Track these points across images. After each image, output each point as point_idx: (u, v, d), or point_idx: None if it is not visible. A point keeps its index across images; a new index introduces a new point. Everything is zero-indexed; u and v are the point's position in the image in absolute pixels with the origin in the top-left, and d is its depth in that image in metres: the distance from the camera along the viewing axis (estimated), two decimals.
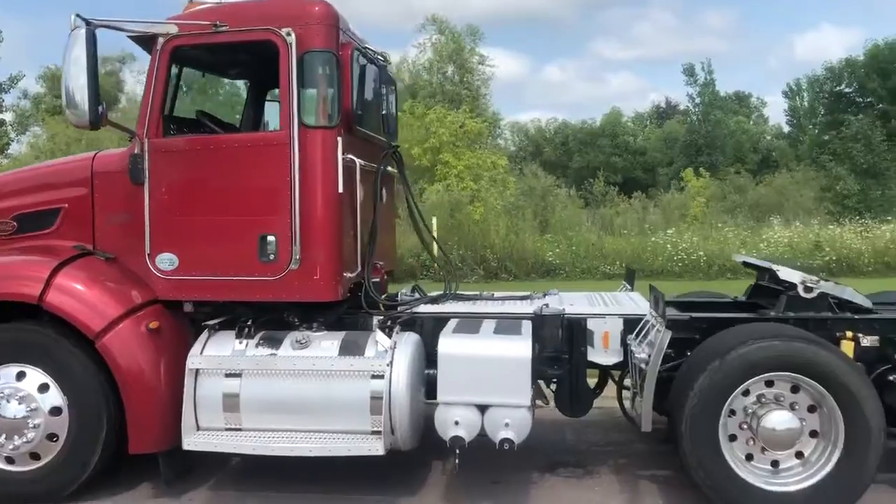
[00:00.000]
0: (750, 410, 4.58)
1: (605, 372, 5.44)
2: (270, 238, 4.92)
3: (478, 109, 34.74)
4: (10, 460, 4.91)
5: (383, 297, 5.57)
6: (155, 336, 4.99)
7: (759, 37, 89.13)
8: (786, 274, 5.10)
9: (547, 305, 5.28)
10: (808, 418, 4.56)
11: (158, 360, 4.97)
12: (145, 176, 5.05)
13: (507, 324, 5.01)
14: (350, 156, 5.02)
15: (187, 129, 5.60)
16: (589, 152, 53.72)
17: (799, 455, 4.58)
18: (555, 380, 5.24)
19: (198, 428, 4.87)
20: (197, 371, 4.88)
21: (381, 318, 5.14)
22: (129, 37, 5.21)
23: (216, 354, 4.92)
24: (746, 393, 4.58)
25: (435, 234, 17.88)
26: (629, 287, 6.35)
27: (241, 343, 4.96)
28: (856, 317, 4.99)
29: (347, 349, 4.87)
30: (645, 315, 5.09)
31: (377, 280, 5.52)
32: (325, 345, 4.91)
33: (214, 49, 5.29)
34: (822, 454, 4.53)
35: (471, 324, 5.02)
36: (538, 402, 5.26)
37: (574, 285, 13.70)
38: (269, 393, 4.82)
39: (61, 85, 4.67)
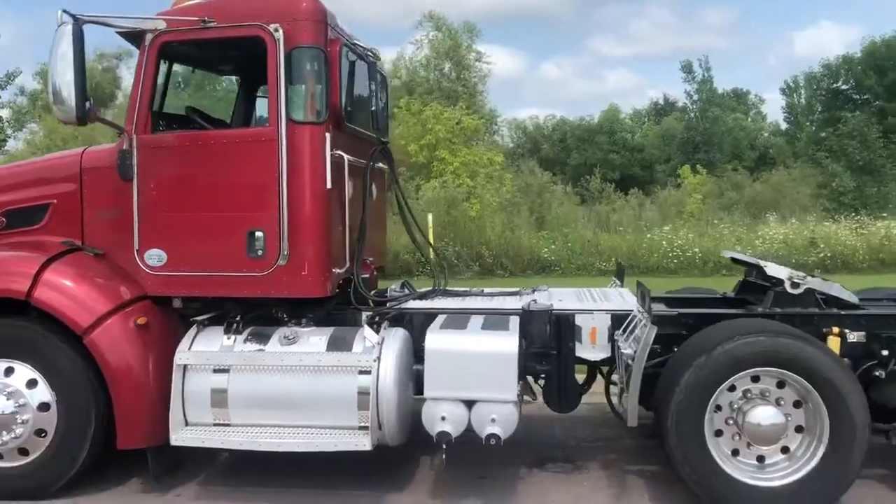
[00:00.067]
0: (736, 406, 4.60)
1: (593, 368, 5.45)
2: (259, 234, 4.92)
3: (475, 106, 34.73)
4: None
5: (372, 293, 5.58)
6: (143, 332, 4.99)
7: (757, 34, 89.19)
8: (773, 270, 5.13)
9: (535, 301, 5.29)
10: (793, 414, 4.58)
11: (147, 355, 4.97)
12: (134, 172, 5.06)
13: (494, 320, 5.03)
14: (339, 152, 5.02)
15: (177, 125, 5.60)
16: (587, 149, 53.74)
17: (785, 450, 4.60)
18: (543, 375, 5.25)
19: (186, 423, 4.88)
20: (185, 367, 4.89)
21: (370, 313, 5.15)
22: (118, 33, 5.21)
23: (204, 350, 4.93)
24: (732, 388, 4.60)
25: (431, 231, 18.01)
26: (619, 283, 6.37)
27: (229, 339, 4.97)
28: (842, 313, 5.01)
29: (335, 345, 4.88)
30: (632, 311, 5.10)
31: (366, 276, 5.53)
32: (313, 340, 4.92)
33: (203, 45, 5.28)
34: (808, 449, 4.55)
35: (458, 320, 5.04)
36: (526, 397, 5.28)
37: (569, 282, 13.71)
38: (257, 388, 4.83)
39: (48, 81, 4.66)
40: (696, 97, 55.14)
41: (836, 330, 4.87)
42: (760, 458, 4.61)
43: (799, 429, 4.59)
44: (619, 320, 5.14)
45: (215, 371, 4.87)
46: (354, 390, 4.74)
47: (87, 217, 5.30)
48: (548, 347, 5.14)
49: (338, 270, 5.09)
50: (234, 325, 5.01)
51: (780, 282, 5.07)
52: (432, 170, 23.92)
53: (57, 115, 4.71)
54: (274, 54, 4.86)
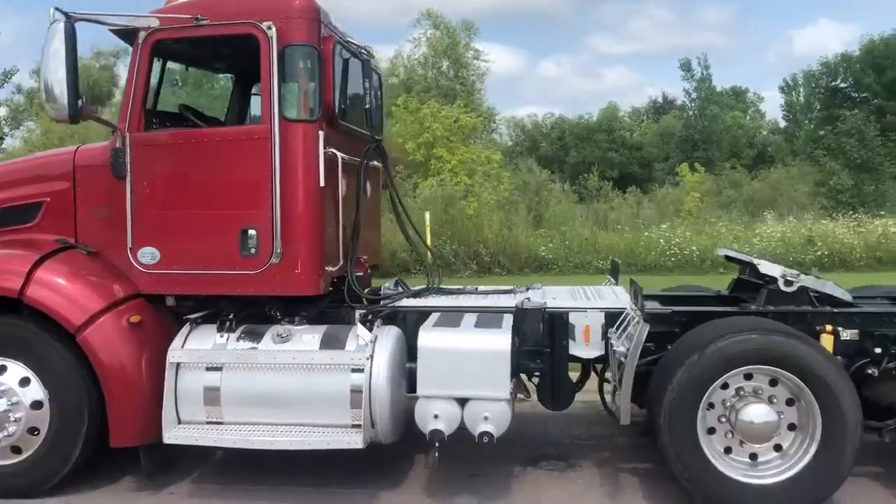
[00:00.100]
0: (728, 404, 4.60)
1: (587, 365, 5.45)
2: (252, 232, 4.92)
3: (472, 104, 34.72)
4: None
5: (366, 291, 5.57)
6: (136, 330, 4.99)
7: (756, 32, 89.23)
8: (766, 268, 5.13)
9: (528, 299, 5.29)
10: (786, 411, 4.57)
11: (140, 353, 4.97)
12: (127, 170, 5.06)
13: (487, 318, 5.02)
14: (332, 150, 5.01)
15: (170, 122, 5.60)
16: (585, 147, 53.77)
17: (777, 448, 4.60)
18: (536, 373, 5.25)
19: (179, 421, 4.89)
20: (178, 365, 4.89)
21: (363, 312, 5.15)
22: (111, 30, 5.20)
23: (197, 348, 4.93)
24: (725, 386, 4.59)
25: (428, 230, 18.01)
26: (613, 281, 6.37)
27: (222, 337, 4.97)
28: (835, 310, 5.01)
29: (328, 343, 4.88)
30: (625, 309, 5.10)
31: (360, 274, 5.51)
32: (306, 339, 4.93)
33: (197, 43, 5.28)
34: (800, 447, 4.54)
35: (452, 318, 5.03)
36: (520, 395, 5.29)
37: (567, 280, 13.71)
38: (250, 387, 4.83)
39: (40, 79, 4.66)
40: (694, 95, 55.18)
41: (829, 328, 4.86)
42: (753, 456, 4.60)
43: (791, 426, 4.58)
44: (612, 318, 5.15)
45: (208, 369, 4.88)
46: (347, 388, 4.74)
47: (81, 215, 5.30)
48: (541, 345, 5.13)
49: (331, 268, 5.09)
50: (227, 323, 5.01)
51: (773, 280, 5.06)
52: (430, 168, 23.93)
53: (49, 112, 4.71)
54: (267, 52, 4.86)
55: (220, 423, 4.88)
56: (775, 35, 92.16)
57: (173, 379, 4.86)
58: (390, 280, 6.16)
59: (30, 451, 4.91)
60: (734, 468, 4.57)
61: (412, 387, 4.84)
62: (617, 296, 5.65)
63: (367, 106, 5.57)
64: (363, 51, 5.64)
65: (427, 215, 18.32)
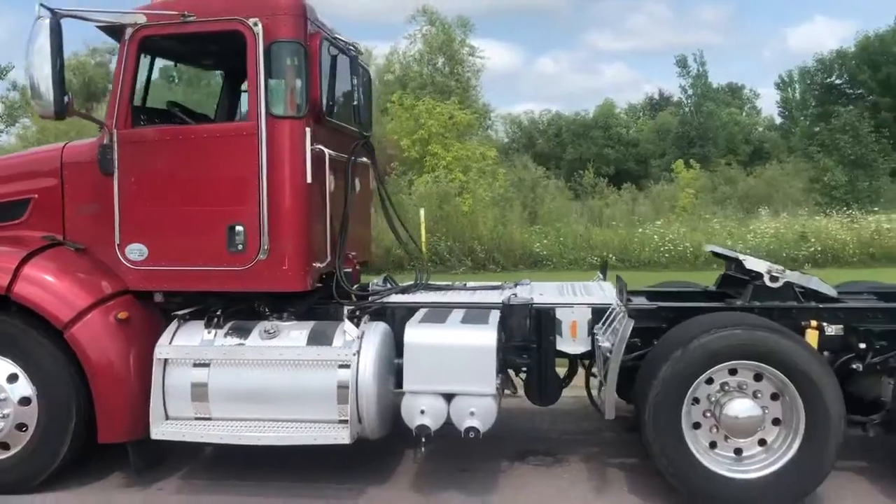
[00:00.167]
0: (713, 399, 4.62)
1: (574, 361, 5.47)
2: (239, 228, 4.93)
3: (468, 101, 34.70)
4: None
5: (355, 287, 5.58)
6: (124, 326, 5.00)
7: (753, 29, 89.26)
8: (752, 264, 5.15)
9: (515, 295, 5.31)
10: (770, 406, 4.60)
11: (128, 350, 4.98)
12: (114, 166, 5.06)
13: (474, 313, 5.04)
14: (319, 146, 5.02)
15: (158, 119, 5.60)
16: (582, 144, 53.85)
17: (762, 442, 4.62)
18: (524, 369, 5.27)
19: (166, 417, 4.90)
20: (165, 361, 4.90)
21: (351, 308, 5.16)
22: (98, 27, 5.20)
23: (185, 344, 4.94)
24: (710, 381, 4.61)
25: (423, 226, 18.01)
26: (602, 277, 6.39)
27: (209, 333, 4.98)
28: (820, 306, 5.03)
29: (315, 339, 4.89)
30: (611, 304, 5.12)
31: (349, 270, 5.52)
32: (294, 334, 4.93)
33: (184, 39, 5.28)
34: (784, 441, 4.56)
35: (438, 313, 5.05)
36: (507, 391, 5.31)
37: (561, 276, 13.76)
38: (237, 382, 4.85)
39: (26, 75, 4.66)
40: (690, 92, 55.28)
41: (814, 323, 4.88)
42: (738, 451, 4.62)
43: (776, 421, 4.60)
44: (598, 314, 5.16)
45: (196, 365, 4.88)
46: (334, 384, 4.75)
47: (68, 212, 5.30)
48: (528, 341, 5.15)
49: (318, 265, 5.10)
50: (215, 319, 5.02)
51: (759, 275, 5.09)
52: (425, 164, 23.91)
53: (35, 109, 4.71)
54: (253, 49, 4.87)
55: (208, 419, 4.89)
56: (771, 32, 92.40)
57: (161, 375, 4.87)
58: (380, 276, 6.17)
59: (18, 448, 4.92)
60: (719, 463, 4.59)
61: (400, 382, 4.85)
62: (604, 292, 5.68)
63: (355, 102, 5.57)
64: (351, 47, 5.64)
65: (422, 212, 18.32)
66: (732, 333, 4.53)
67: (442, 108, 25.70)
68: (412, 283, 5.89)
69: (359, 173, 5.92)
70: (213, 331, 4.99)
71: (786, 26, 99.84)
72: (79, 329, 4.86)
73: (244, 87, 6.25)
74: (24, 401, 4.90)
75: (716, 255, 6.17)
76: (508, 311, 5.12)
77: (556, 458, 5.56)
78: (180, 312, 5.09)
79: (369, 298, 5.42)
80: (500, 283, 5.93)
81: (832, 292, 5.21)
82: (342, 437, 4.68)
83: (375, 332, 4.95)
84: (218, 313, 5.05)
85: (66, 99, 4.60)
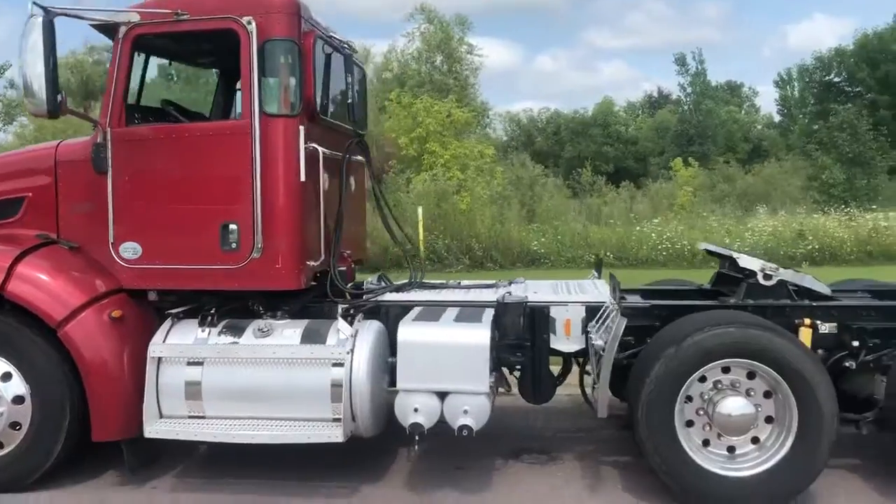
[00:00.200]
0: (706, 397, 4.63)
1: (568, 359, 5.47)
2: (232, 227, 4.93)
3: (466, 99, 34.67)
4: None
5: (350, 285, 5.59)
6: (118, 325, 5.01)
7: (752, 26, 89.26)
8: (745, 262, 5.15)
9: (509, 293, 5.31)
10: (763, 404, 4.60)
11: (122, 348, 4.98)
12: (108, 165, 5.06)
13: (468, 312, 5.04)
14: (313, 144, 5.02)
15: (152, 117, 5.60)
16: (581, 142, 53.85)
17: (755, 440, 4.63)
18: (518, 367, 5.28)
19: (160, 416, 4.90)
20: (159, 359, 4.90)
21: (345, 306, 5.16)
22: (92, 25, 5.19)
23: (178, 343, 4.94)
24: (703, 379, 4.62)
25: (420, 224, 18.01)
26: (597, 275, 6.40)
27: (203, 331, 4.98)
28: (814, 304, 5.04)
29: (309, 337, 4.90)
30: (605, 303, 5.12)
31: (343, 269, 5.52)
32: (287, 333, 4.94)
33: (177, 38, 5.28)
34: (777, 439, 4.57)
35: (432, 312, 5.06)
36: (501, 389, 5.31)
37: (558, 274, 13.74)
38: (231, 381, 4.85)
39: (19, 74, 4.65)
40: (689, 90, 55.28)
41: (807, 321, 4.89)
42: (731, 449, 4.63)
43: (769, 419, 4.61)
44: (593, 312, 5.17)
45: (189, 363, 4.88)
46: (328, 382, 4.76)
47: (62, 210, 5.29)
48: (522, 339, 5.16)
49: (312, 263, 5.10)
50: (209, 317, 5.02)
51: (752, 273, 5.09)
52: (423, 163, 23.90)
53: (28, 107, 4.71)
54: (247, 47, 4.87)
55: (202, 417, 4.89)
56: (770, 30, 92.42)
57: (154, 373, 4.88)
58: (374, 275, 6.17)
59: (11, 446, 4.92)
60: (712, 461, 4.60)
61: (394, 381, 4.85)
62: (598, 290, 5.68)
63: (350, 101, 5.57)
64: (345, 45, 5.64)
65: (420, 210, 18.33)
66: (726, 331, 4.53)
67: (440, 106, 25.68)
68: (406, 281, 5.89)
69: (353, 172, 5.92)
70: (207, 329, 4.99)
71: (785, 24, 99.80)
72: (72, 327, 4.86)
73: (239, 85, 6.27)
74: (18, 399, 4.90)
75: (710, 253, 6.18)
76: (502, 310, 5.12)
77: (551, 456, 5.56)
78: (174, 311, 5.09)
79: (364, 297, 5.42)
80: (494, 282, 5.94)
81: (826, 290, 5.21)
82: (335, 435, 4.68)
83: (369, 331, 4.95)
84: (212, 312, 5.05)
85: (59, 98, 4.60)
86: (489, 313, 4.99)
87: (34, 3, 4.55)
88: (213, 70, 6.74)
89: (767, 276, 5.05)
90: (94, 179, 5.08)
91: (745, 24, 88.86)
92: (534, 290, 5.64)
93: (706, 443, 4.64)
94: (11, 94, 35.68)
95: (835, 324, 4.93)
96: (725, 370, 4.61)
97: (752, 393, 4.60)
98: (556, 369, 5.45)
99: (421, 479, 5.19)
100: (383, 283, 5.88)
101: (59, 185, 5.30)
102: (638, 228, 19.44)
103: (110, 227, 5.07)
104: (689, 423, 4.63)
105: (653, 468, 4.63)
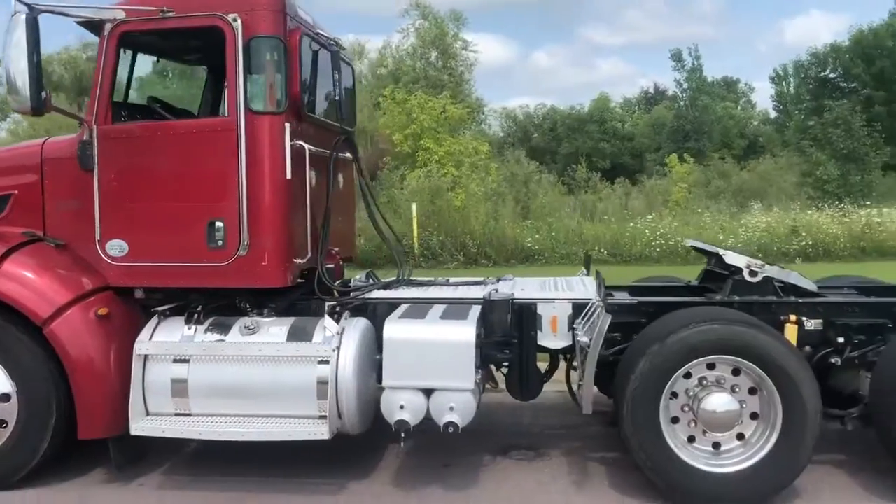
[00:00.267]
0: (691, 393, 4.64)
1: (555, 356, 5.48)
2: (219, 224, 4.93)
3: (461, 95, 34.63)
4: None
5: (338, 283, 5.58)
6: (105, 322, 5.00)
7: (748, 22, 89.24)
8: (731, 258, 5.17)
9: (496, 291, 5.31)
10: (748, 400, 4.62)
11: (108, 346, 4.98)
12: (94, 162, 5.05)
13: (454, 309, 5.05)
14: (299, 142, 5.01)
15: (140, 115, 5.59)
16: (577, 138, 53.79)
17: (740, 437, 4.64)
18: (505, 364, 5.28)
19: (147, 413, 4.91)
20: (145, 357, 4.90)
21: (332, 303, 5.16)
22: (78, 22, 5.18)
23: (164, 340, 4.94)
24: (688, 376, 4.63)
25: (415, 221, 18.00)
26: (586, 272, 6.40)
27: (190, 329, 4.98)
28: (800, 300, 5.06)
29: (295, 335, 4.90)
30: (591, 300, 5.13)
31: (331, 266, 5.52)
32: (274, 331, 4.94)
33: (163, 35, 5.26)
34: (762, 436, 4.59)
35: (419, 309, 5.06)
36: (488, 385, 5.32)
37: (552, 271, 13.77)
38: (217, 378, 4.85)
39: (2, 71, 4.64)
40: (685, 86, 55.28)
41: (793, 317, 4.91)
42: (716, 445, 4.65)
43: (754, 416, 4.63)
44: (579, 309, 5.17)
45: (175, 361, 4.89)
46: (314, 380, 4.76)
47: (49, 208, 5.28)
48: (509, 336, 5.16)
49: (299, 261, 5.10)
50: (196, 315, 5.02)
51: (738, 270, 5.11)
52: (417, 159, 23.88)
53: (12, 105, 4.69)
54: (232, 44, 4.86)
55: (188, 414, 4.89)
56: (767, 25, 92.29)
57: (141, 371, 4.88)
58: (362, 272, 6.17)
59: None
60: (697, 457, 4.61)
61: (381, 378, 4.85)
62: (586, 287, 5.68)
63: (337, 98, 5.55)
64: (332, 42, 5.63)
65: (414, 207, 18.33)
66: (710, 328, 4.54)
67: (434, 102, 25.65)
68: (394, 278, 5.89)
69: (342, 169, 5.92)
70: (194, 327, 4.99)
71: (782, 19, 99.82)
72: (58, 325, 4.86)
73: (226, 82, 6.26)
74: (4, 397, 4.89)
75: (696, 249, 6.19)
76: (489, 307, 5.13)
77: (538, 452, 5.58)
78: (160, 308, 5.09)
79: (351, 294, 5.42)
80: (482, 279, 5.94)
81: (812, 287, 5.23)
82: (321, 432, 4.69)
83: (356, 328, 4.95)
84: (198, 309, 5.05)
85: (43, 95, 4.59)
86: (475, 310, 5.00)
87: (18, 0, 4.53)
88: (202, 67, 6.74)
89: (753, 273, 5.07)
90: (80, 177, 5.07)
91: (742, 19, 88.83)
92: (521, 287, 5.65)
93: (691, 439, 4.65)
94: (3, 91, 35.59)
95: (820, 320, 4.95)
96: (710, 367, 4.63)
97: (737, 389, 4.62)
98: (543, 366, 5.46)
99: (408, 475, 5.20)
100: (371, 281, 5.88)
101: (46, 182, 5.29)
102: (632, 225, 19.45)
103: (97, 225, 5.07)
104: (675, 420, 4.64)
105: (638, 464, 4.64)
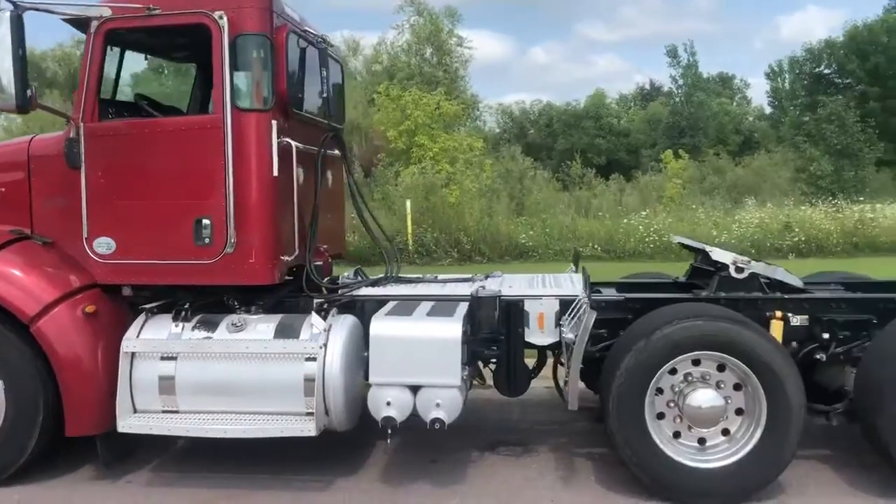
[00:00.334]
0: (677, 389, 4.66)
1: (542, 352, 5.50)
2: (206, 222, 4.93)
3: (456, 91, 34.58)
4: None
5: (326, 280, 5.59)
6: (92, 320, 5.00)
7: (744, 18, 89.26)
8: (718, 255, 5.20)
9: (484, 288, 5.33)
10: (733, 396, 4.64)
11: (95, 344, 4.98)
12: (81, 160, 5.05)
13: (441, 306, 5.06)
14: (286, 139, 5.02)
15: (127, 112, 5.58)
16: (573, 134, 53.75)
17: (725, 432, 4.67)
18: (493, 360, 5.30)
19: (134, 410, 4.92)
20: (133, 354, 4.91)
21: (319, 301, 5.17)
22: (64, 19, 5.17)
23: (152, 338, 4.95)
24: (673, 372, 4.65)
25: (409, 217, 17.99)
26: (575, 269, 6.41)
27: (177, 326, 4.99)
28: (785, 297, 5.08)
29: (282, 332, 4.91)
30: (578, 296, 5.14)
31: (320, 263, 5.53)
32: (261, 328, 4.95)
33: (150, 32, 5.26)
34: (747, 431, 4.62)
35: (406, 306, 5.07)
36: (476, 381, 5.33)
37: (547, 267, 13.76)
38: (204, 375, 4.86)
39: None
40: (681, 82, 55.29)
41: (779, 314, 4.93)
42: (701, 441, 4.67)
43: (739, 411, 4.65)
44: (566, 305, 5.18)
45: (163, 358, 4.90)
46: (301, 377, 4.77)
47: (36, 205, 5.28)
48: (497, 333, 5.17)
49: (287, 258, 5.10)
50: (183, 312, 5.03)
51: (724, 266, 5.14)
52: (411, 156, 23.86)
53: None
54: (219, 42, 4.85)
55: (176, 412, 4.90)
56: (763, 21, 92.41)
57: (128, 368, 4.88)
58: (351, 269, 6.18)
59: None
60: (682, 453, 4.63)
61: (368, 375, 4.86)
62: (573, 283, 5.70)
63: (325, 95, 5.55)
64: (320, 39, 5.62)
65: (408, 203, 18.32)
66: (694, 324, 4.57)
67: (429, 98, 25.62)
68: (382, 275, 5.90)
69: (331, 166, 5.92)
70: (181, 324, 5.00)
71: (778, 15, 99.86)
72: (45, 323, 4.86)
73: None
74: None
75: (683, 246, 6.21)
76: (477, 304, 5.14)
77: (526, 448, 5.60)
78: (148, 306, 5.10)
79: (339, 291, 5.43)
80: (470, 276, 5.95)
81: (798, 283, 5.26)
82: (308, 429, 4.70)
83: (343, 326, 4.96)
84: (186, 307, 5.05)
85: (28, 93, 4.58)
86: (462, 307, 5.01)
87: None
88: (191, 64, 6.72)
89: (739, 269, 5.10)
90: (67, 174, 5.07)
91: (737, 15, 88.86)
92: (509, 283, 5.66)
93: (677, 435, 4.68)
94: None
95: (806, 316, 4.97)
96: (696, 363, 4.65)
97: (722, 385, 4.64)
98: (531, 362, 5.48)
99: (395, 472, 5.21)
100: (359, 278, 5.89)
101: (33, 180, 5.29)
102: (626, 221, 19.47)
103: (84, 223, 5.07)
104: (660, 416, 4.66)
105: (624, 460, 4.66)
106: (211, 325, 4.98)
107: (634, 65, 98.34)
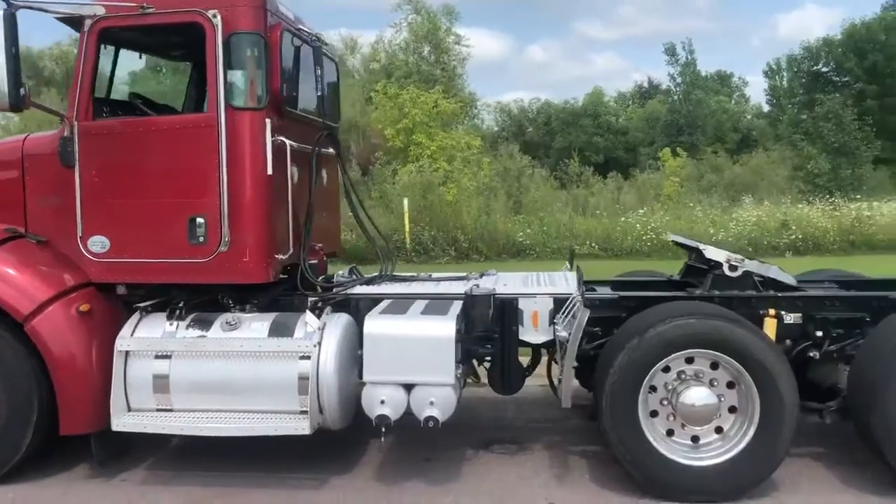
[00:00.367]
0: (670, 387, 4.67)
1: (537, 350, 5.51)
2: (200, 220, 4.93)
3: (453, 90, 34.57)
4: None
5: (321, 278, 5.59)
6: (86, 319, 5.00)
7: (743, 16, 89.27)
8: (711, 253, 5.20)
9: (478, 286, 5.33)
10: (726, 394, 4.65)
11: (90, 342, 4.98)
12: (75, 158, 5.05)
13: (436, 304, 5.07)
14: (280, 138, 5.02)
15: (121, 111, 5.59)
16: (571, 132, 53.76)
17: (718, 430, 4.68)
18: (487, 358, 5.31)
19: (129, 409, 4.92)
20: (127, 353, 4.92)
21: (314, 299, 5.17)
22: (58, 18, 5.17)
23: (146, 336, 4.96)
24: (667, 370, 4.66)
25: (406, 216, 17.98)
26: (569, 267, 6.42)
27: (171, 325, 4.99)
28: (779, 295, 5.09)
29: (276, 330, 4.92)
30: (572, 294, 5.15)
31: (315, 262, 5.53)
32: (255, 326, 4.95)
33: (144, 31, 5.26)
34: (740, 429, 4.62)
35: (400, 304, 5.08)
36: (470, 380, 5.34)
37: (544, 265, 13.78)
38: (199, 374, 4.86)
39: None
40: (679, 80, 55.32)
41: (772, 312, 4.94)
42: (695, 439, 4.68)
43: (732, 409, 4.66)
44: (560, 304, 5.19)
45: (157, 357, 4.90)
46: (295, 375, 4.78)
47: (30, 204, 5.29)
48: (491, 331, 5.18)
49: (281, 256, 5.11)
50: (177, 311, 5.03)
51: (718, 265, 5.14)
52: (409, 154, 23.86)
53: None
54: (212, 40, 4.85)
55: (170, 410, 4.91)
56: (762, 19, 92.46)
57: (122, 367, 4.89)
58: (345, 267, 6.18)
59: None
60: (676, 450, 4.64)
61: (362, 373, 4.87)
62: (567, 282, 5.70)
63: (320, 93, 5.55)
64: (314, 38, 5.62)
65: (405, 201, 18.32)
66: (687, 322, 4.57)
67: (426, 97, 25.62)
68: (377, 274, 5.91)
69: (325, 164, 5.92)
70: (175, 323, 5.00)
71: (776, 13, 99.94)
72: (39, 322, 4.86)
73: None
74: None
75: (677, 244, 6.21)
76: (471, 302, 5.14)
77: (520, 446, 5.61)
78: (142, 305, 5.10)
79: (333, 290, 5.43)
80: (465, 274, 5.96)
81: (791, 281, 5.27)
82: (302, 427, 4.71)
83: (337, 324, 4.97)
84: (180, 305, 5.06)
85: (22, 91, 4.58)
86: (456, 306, 5.02)
87: None
88: (186, 62, 6.72)
89: (733, 268, 5.10)
90: (61, 173, 5.07)
91: (735, 13, 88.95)
92: (504, 282, 5.67)
93: (670, 433, 4.68)
94: None
95: (800, 314, 4.98)
96: (689, 361, 4.66)
97: (716, 383, 4.65)
98: (525, 360, 5.49)
99: (390, 470, 5.22)
100: (354, 276, 5.89)
101: (27, 178, 5.29)
102: (623, 219, 19.48)
103: (78, 221, 5.08)
104: (654, 414, 4.67)
105: (618, 458, 4.67)
106: (205, 324, 4.99)
107: (633, 63, 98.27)
